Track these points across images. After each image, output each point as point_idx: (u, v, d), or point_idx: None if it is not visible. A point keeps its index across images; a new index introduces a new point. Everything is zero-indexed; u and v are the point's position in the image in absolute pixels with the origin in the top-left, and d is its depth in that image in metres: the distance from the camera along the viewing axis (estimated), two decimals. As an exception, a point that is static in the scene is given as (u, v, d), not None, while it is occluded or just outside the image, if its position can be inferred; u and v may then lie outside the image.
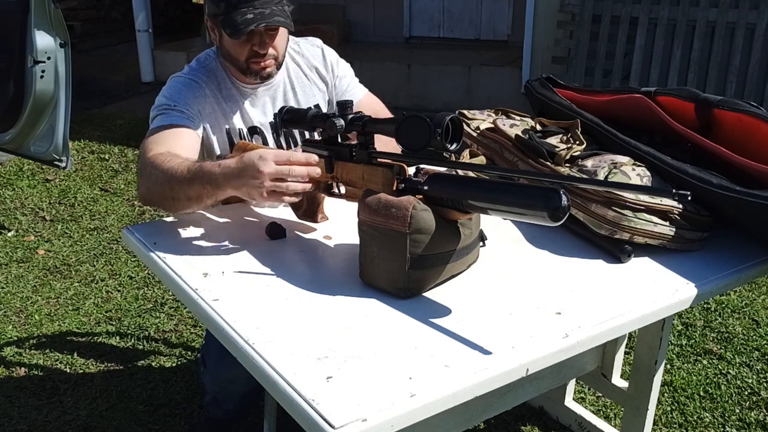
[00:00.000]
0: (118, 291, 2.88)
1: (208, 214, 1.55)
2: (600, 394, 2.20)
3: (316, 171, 1.28)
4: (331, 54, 1.83)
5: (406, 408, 0.92)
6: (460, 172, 1.34)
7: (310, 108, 1.42)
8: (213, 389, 1.89)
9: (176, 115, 1.57)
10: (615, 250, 1.34)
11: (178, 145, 1.50)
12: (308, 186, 1.28)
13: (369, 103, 1.83)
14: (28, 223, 3.54)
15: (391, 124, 1.20)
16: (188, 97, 1.61)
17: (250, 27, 1.52)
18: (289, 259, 1.34)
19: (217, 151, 1.66)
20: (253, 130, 1.70)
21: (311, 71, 1.79)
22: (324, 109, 1.79)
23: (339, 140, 1.35)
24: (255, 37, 1.58)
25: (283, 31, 1.63)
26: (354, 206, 1.23)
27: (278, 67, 1.67)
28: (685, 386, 2.28)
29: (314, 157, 1.29)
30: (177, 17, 8.15)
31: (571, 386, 2.11)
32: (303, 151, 1.40)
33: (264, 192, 1.24)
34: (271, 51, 1.61)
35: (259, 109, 1.72)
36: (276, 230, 1.42)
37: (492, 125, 1.64)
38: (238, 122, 1.68)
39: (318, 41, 1.83)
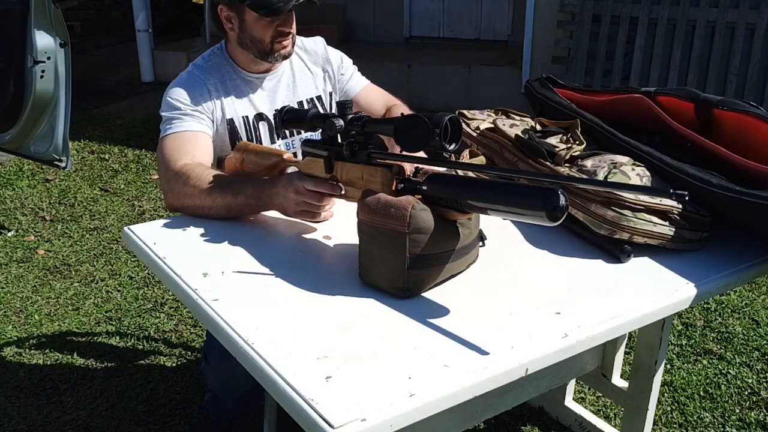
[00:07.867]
0: (118, 291, 2.88)
1: (207, 214, 1.55)
2: (600, 394, 2.20)
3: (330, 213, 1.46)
4: (333, 50, 1.89)
5: (405, 408, 0.92)
6: (460, 172, 1.34)
7: (309, 108, 1.44)
8: (214, 386, 1.90)
9: (190, 120, 1.63)
10: (615, 250, 1.34)
11: (199, 152, 1.59)
12: (329, 215, 1.46)
13: (369, 95, 1.91)
14: (28, 223, 3.54)
15: (390, 124, 1.20)
16: (195, 97, 1.66)
17: (290, 4, 1.59)
18: (289, 259, 1.34)
19: (220, 143, 1.71)
20: (260, 117, 1.75)
21: (315, 66, 1.85)
22: (321, 103, 1.84)
23: (339, 140, 1.35)
24: (280, 17, 1.64)
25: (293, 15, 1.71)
26: (354, 206, 1.24)
27: (293, 47, 1.74)
28: (685, 386, 2.28)
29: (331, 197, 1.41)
30: (177, 17, 8.16)
31: (571, 386, 2.11)
32: (302, 151, 1.42)
33: (292, 213, 1.42)
34: (292, 30, 1.69)
35: (265, 97, 1.77)
36: None
37: (492, 125, 1.64)
38: (243, 110, 1.73)
39: (320, 39, 1.89)
